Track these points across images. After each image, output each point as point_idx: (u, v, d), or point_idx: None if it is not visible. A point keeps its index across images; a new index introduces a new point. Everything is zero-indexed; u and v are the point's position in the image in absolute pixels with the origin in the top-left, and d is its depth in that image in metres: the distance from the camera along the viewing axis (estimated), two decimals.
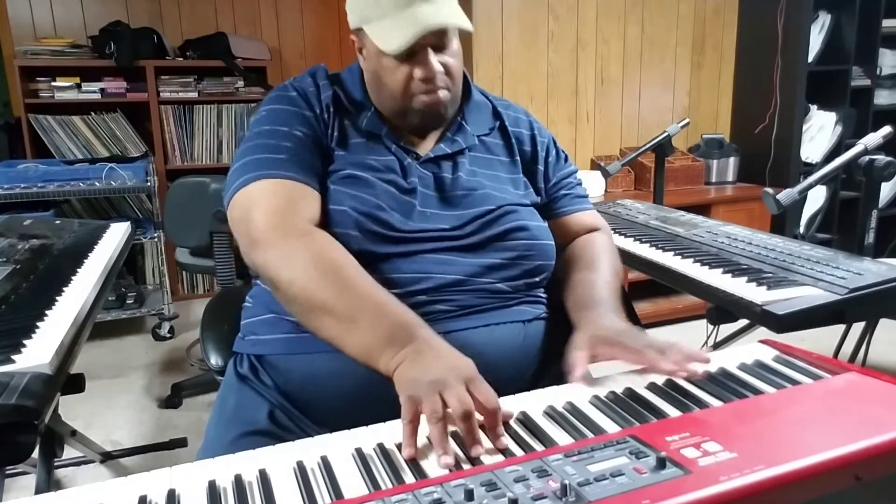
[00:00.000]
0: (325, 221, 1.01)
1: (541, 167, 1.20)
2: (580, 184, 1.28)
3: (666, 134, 2.29)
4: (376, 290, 0.93)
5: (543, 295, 1.12)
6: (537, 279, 1.10)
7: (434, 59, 1.04)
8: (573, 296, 1.09)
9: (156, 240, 3.21)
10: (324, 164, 1.07)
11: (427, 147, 1.13)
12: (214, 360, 1.22)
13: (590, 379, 0.90)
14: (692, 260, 1.45)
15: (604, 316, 1.01)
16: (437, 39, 1.04)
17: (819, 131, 3.73)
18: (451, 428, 0.76)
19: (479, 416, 0.78)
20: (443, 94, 1.07)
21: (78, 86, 3.33)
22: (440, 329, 0.97)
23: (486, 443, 0.75)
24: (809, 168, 3.68)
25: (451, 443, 0.74)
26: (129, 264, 3.59)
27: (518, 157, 1.19)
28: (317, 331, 0.93)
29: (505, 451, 0.74)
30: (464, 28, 1.05)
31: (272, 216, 0.97)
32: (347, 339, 0.90)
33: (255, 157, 1.04)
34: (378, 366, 0.87)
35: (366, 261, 0.99)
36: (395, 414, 0.79)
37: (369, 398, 0.86)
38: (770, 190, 1.65)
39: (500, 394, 0.87)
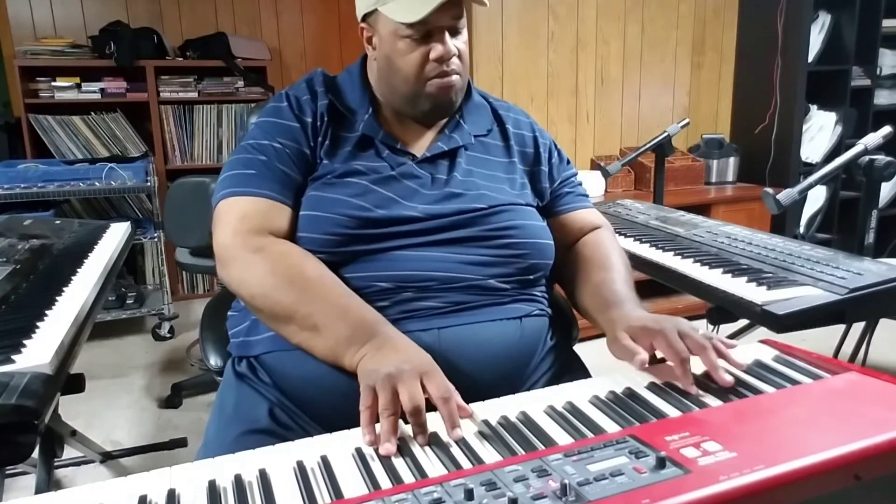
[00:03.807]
0: (308, 227, 1.03)
1: (544, 168, 1.21)
2: (581, 184, 1.28)
3: (666, 134, 2.29)
4: (335, 292, 0.96)
5: (540, 293, 1.12)
6: (531, 277, 1.09)
7: (450, 41, 1.05)
8: (596, 297, 1.09)
9: (156, 240, 3.21)
10: (303, 175, 1.08)
11: (423, 147, 1.13)
12: (214, 360, 1.22)
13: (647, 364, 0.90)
14: (692, 260, 1.45)
15: (633, 311, 1.01)
16: (452, 21, 1.05)
17: (819, 131, 3.73)
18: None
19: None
20: (455, 78, 1.08)
21: (78, 86, 3.33)
22: (434, 325, 0.98)
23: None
24: (809, 168, 3.68)
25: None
26: (129, 264, 3.59)
27: (517, 158, 1.19)
28: (286, 338, 0.97)
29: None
30: (480, 2, 1.06)
31: (231, 234, 1.01)
32: (313, 343, 0.94)
33: (230, 174, 1.07)
34: (344, 364, 0.91)
35: (353, 261, 1.00)
36: None
37: None
38: (770, 190, 1.65)
39: (497, 391, 0.88)
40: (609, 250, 1.18)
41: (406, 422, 0.79)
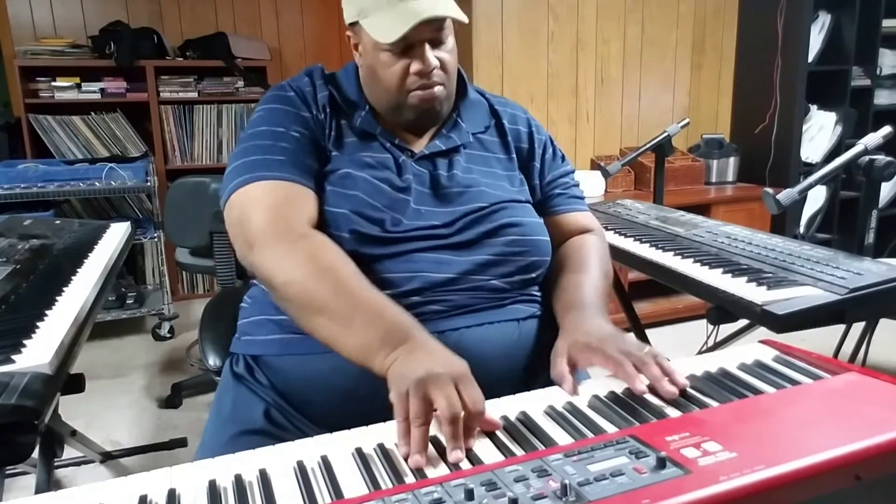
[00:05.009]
0: (321, 223, 1.02)
1: (537, 164, 1.20)
2: (577, 185, 1.27)
3: (666, 134, 2.29)
4: (371, 291, 0.94)
5: (538, 293, 1.12)
6: (533, 275, 1.09)
7: (430, 54, 1.04)
8: (561, 298, 1.08)
9: (156, 240, 3.21)
10: (320, 164, 1.07)
11: (422, 145, 1.13)
12: (212, 360, 1.22)
13: (575, 389, 0.89)
14: (692, 260, 1.45)
15: (589, 319, 1.00)
16: (433, 34, 1.04)
17: (819, 131, 3.73)
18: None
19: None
20: (438, 89, 1.07)
21: (78, 86, 3.33)
22: (434, 328, 0.97)
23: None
24: (809, 168, 3.68)
25: (430, 448, 0.74)
26: (129, 264, 3.59)
27: (514, 155, 1.19)
28: (313, 332, 0.94)
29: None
30: (458, 19, 1.05)
31: (270, 218, 0.98)
32: (343, 339, 0.91)
33: (252, 159, 1.04)
34: (373, 366, 0.87)
35: (360, 261, 0.99)
36: (390, 413, 0.79)
37: (365, 397, 0.86)
38: (770, 190, 1.65)
39: (496, 393, 0.87)
40: (588, 254, 1.16)
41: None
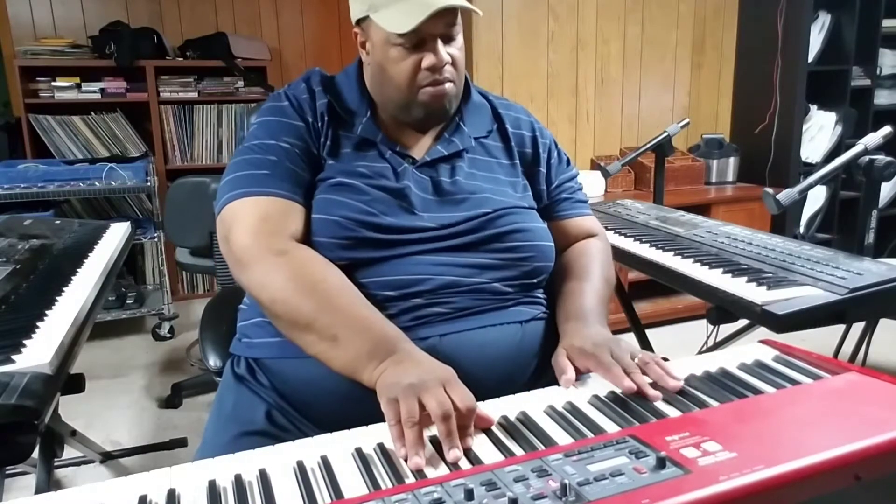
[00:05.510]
0: (316, 231, 1.01)
1: (542, 169, 1.20)
2: (581, 188, 1.27)
3: (666, 134, 2.29)
4: (357, 304, 0.94)
5: (541, 296, 1.12)
6: (535, 280, 1.09)
7: (443, 49, 1.04)
8: (563, 306, 1.09)
9: (156, 240, 3.21)
10: (312, 173, 1.06)
11: (423, 150, 1.12)
12: (213, 360, 1.22)
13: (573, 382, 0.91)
14: (692, 260, 1.45)
15: (587, 326, 1.01)
16: (445, 29, 1.04)
17: (819, 131, 3.73)
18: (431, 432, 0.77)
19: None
20: (448, 86, 1.07)
21: (78, 86, 3.33)
22: (436, 332, 0.97)
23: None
24: (809, 168, 3.68)
25: (429, 446, 0.75)
26: (129, 264, 3.59)
27: (518, 160, 1.18)
28: (303, 348, 0.95)
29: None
30: (471, 9, 1.05)
31: (251, 235, 0.98)
32: (331, 355, 0.92)
33: (238, 174, 1.04)
34: (362, 379, 0.88)
35: (359, 266, 0.99)
36: None
37: (365, 399, 0.86)
38: (770, 190, 1.65)
39: (499, 394, 0.87)
40: (591, 260, 1.17)
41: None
